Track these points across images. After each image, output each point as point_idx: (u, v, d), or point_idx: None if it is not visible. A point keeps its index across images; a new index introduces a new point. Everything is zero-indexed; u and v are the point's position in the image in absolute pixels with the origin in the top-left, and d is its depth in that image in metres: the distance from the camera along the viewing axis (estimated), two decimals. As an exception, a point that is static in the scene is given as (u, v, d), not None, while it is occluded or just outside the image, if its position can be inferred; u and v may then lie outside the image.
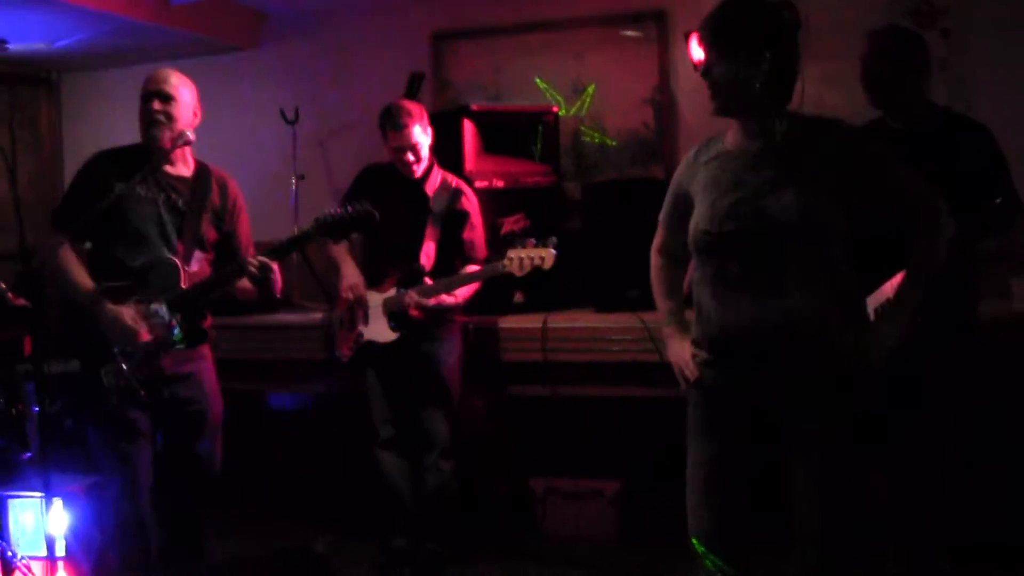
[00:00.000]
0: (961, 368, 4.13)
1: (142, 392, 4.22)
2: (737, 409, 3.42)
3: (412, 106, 5.30)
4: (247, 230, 4.65)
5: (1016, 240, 4.04)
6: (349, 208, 4.29)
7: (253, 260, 4.24)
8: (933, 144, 4.09)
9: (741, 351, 3.36)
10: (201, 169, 4.53)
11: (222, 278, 4.34)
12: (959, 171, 3.98)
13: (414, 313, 5.13)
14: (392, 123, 5.19)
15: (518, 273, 4.94)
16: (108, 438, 4.33)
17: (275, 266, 4.29)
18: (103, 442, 4.35)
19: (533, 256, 4.90)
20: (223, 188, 4.57)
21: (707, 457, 3.48)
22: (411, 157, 5.22)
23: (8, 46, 6.95)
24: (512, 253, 4.94)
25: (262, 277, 4.26)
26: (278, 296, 4.49)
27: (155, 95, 4.36)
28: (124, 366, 4.17)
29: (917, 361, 3.94)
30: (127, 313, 4.19)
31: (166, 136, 4.36)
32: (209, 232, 4.48)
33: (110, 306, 4.19)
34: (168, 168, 4.41)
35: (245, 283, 4.38)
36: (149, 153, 4.39)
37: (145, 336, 4.19)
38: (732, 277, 3.33)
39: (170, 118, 4.36)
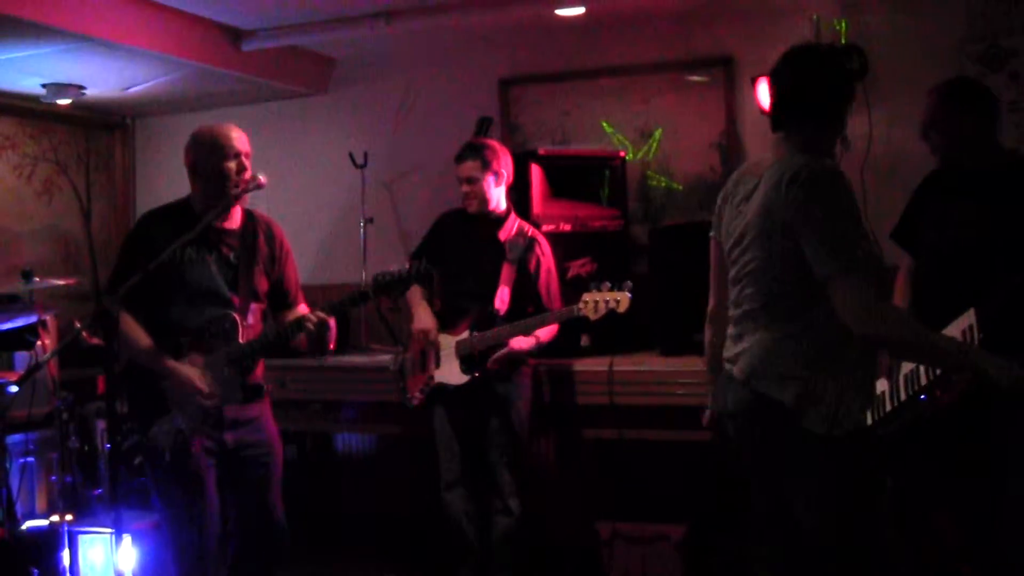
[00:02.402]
0: None
1: (209, 444, 4.26)
2: None
3: (484, 145, 5.42)
4: (295, 273, 4.66)
5: None
6: (407, 267, 4.31)
7: (312, 317, 4.25)
8: (1005, 186, 4.09)
9: None
10: (247, 218, 4.52)
11: (280, 335, 4.36)
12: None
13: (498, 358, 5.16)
14: (457, 155, 5.39)
15: (593, 317, 4.96)
16: (168, 484, 4.31)
17: (331, 322, 4.31)
18: (162, 488, 4.33)
19: (608, 299, 4.92)
20: (269, 233, 4.56)
21: None
22: (465, 188, 5.36)
23: (84, 92, 7.08)
24: (587, 296, 4.96)
25: (318, 334, 4.29)
26: (331, 349, 4.49)
27: (244, 155, 4.35)
28: (183, 426, 4.20)
29: (985, 401, 3.91)
30: (195, 375, 4.21)
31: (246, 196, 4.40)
32: (261, 283, 4.49)
33: (176, 370, 4.21)
34: (216, 222, 4.36)
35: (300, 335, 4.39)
36: (193, 209, 4.38)
37: (211, 402, 4.22)
38: None
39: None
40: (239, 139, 4.36)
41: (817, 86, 3.39)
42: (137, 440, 4.60)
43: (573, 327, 5.61)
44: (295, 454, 6.77)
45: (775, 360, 3.29)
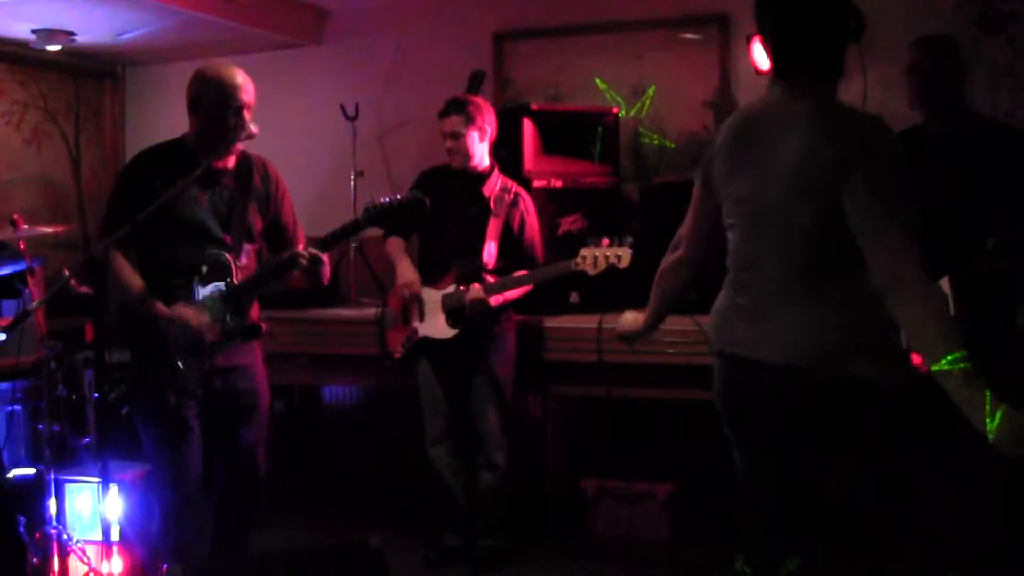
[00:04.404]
0: (1001, 375, 4.10)
1: (199, 391, 4.24)
2: None
3: (468, 100, 5.41)
4: (292, 212, 4.59)
5: None
6: (399, 196, 4.24)
7: (304, 253, 4.19)
8: (972, 152, 4.10)
9: None
10: (242, 157, 4.43)
11: (274, 271, 4.30)
12: (999, 180, 3.99)
13: (474, 300, 5.14)
14: (442, 110, 5.38)
15: (591, 271, 4.94)
16: (157, 431, 4.30)
17: (325, 257, 4.26)
18: (152, 434, 4.32)
19: (609, 254, 4.91)
20: (264, 172, 4.50)
21: None
22: (449, 143, 5.36)
23: (75, 39, 7.02)
24: (585, 251, 4.94)
25: (312, 268, 4.24)
26: (325, 284, 4.44)
27: (247, 107, 4.28)
28: (180, 364, 4.17)
29: None
30: (187, 312, 4.17)
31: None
32: (256, 222, 4.43)
33: (167, 311, 4.16)
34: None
35: (294, 272, 4.33)
36: (186, 148, 4.33)
37: (209, 335, 4.17)
38: None
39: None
40: (246, 90, 4.28)
41: (835, 19, 3.07)
42: (125, 389, 4.60)
43: (563, 283, 5.61)
44: (282, 408, 6.77)
45: (832, 335, 3.01)
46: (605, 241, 4.94)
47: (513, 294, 5.28)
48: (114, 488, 4.72)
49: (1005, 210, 3.94)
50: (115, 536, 4.73)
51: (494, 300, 5.20)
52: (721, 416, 3.35)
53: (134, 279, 4.22)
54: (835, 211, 2.94)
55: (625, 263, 4.91)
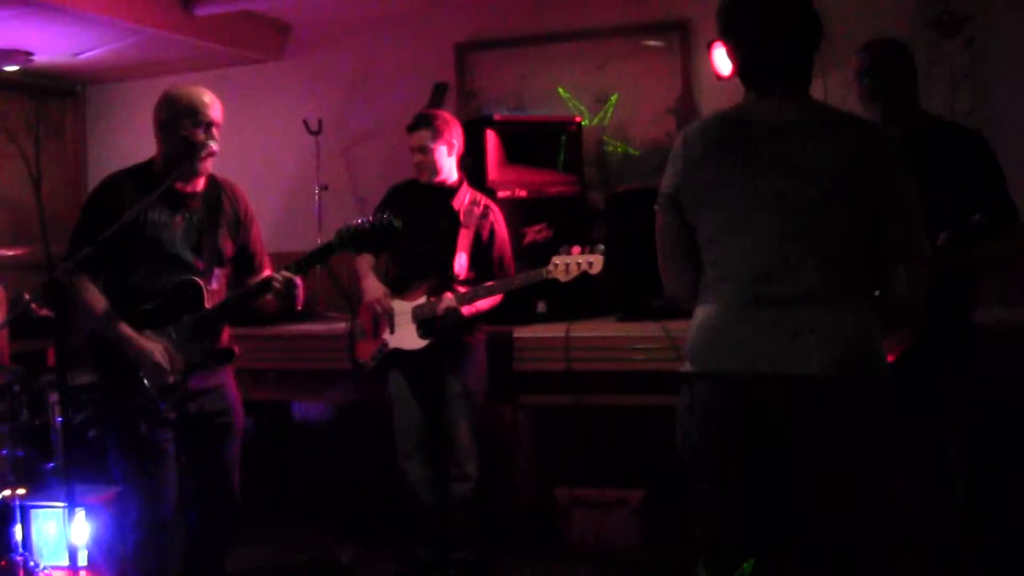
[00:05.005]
0: (959, 375, 4.13)
1: (172, 415, 4.20)
2: None
3: (435, 115, 5.41)
4: (260, 238, 4.60)
5: (1012, 247, 4.07)
6: (371, 218, 4.25)
7: (278, 276, 4.16)
8: (925, 153, 4.11)
9: None
10: (211, 181, 4.43)
11: (247, 295, 4.29)
12: (952, 179, 4.01)
13: (448, 308, 5.14)
14: (409, 125, 5.38)
15: (563, 279, 4.97)
16: (130, 458, 4.26)
17: (299, 280, 4.24)
18: (125, 456, 4.28)
19: (580, 262, 4.94)
20: (232, 197, 4.49)
21: None
22: (417, 158, 5.36)
23: (34, 58, 6.98)
24: (557, 259, 4.97)
25: (286, 292, 4.22)
26: (299, 308, 4.42)
27: (216, 125, 4.28)
28: (152, 394, 4.14)
29: (915, 369, 3.93)
30: (156, 349, 4.12)
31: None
32: (226, 246, 4.42)
33: (137, 341, 4.12)
34: (179, 185, 4.28)
35: (267, 296, 4.30)
36: (155, 170, 4.31)
37: (171, 378, 4.13)
38: None
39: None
40: (213, 108, 4.28)
41: (811, 23, 3.13)
42: (91, 413, 4.56)
43: (531, 293, 5.60)
44: (252, 425, 6.73)
45: (866, 335, 3.01)
46: (576, 249, 4.97)
47: (484, 304, 5.28)
48: (81, 512, 4.69)
49: (957, 208, 3.96)
50: (82, 561, 4.70)
51: (466, 310, 5.20)
52: (699, 445, 3.24)
53: (98, 301, 4.17)
54: (868, 219, 3.01)
55: (597, 269, 4.93)
